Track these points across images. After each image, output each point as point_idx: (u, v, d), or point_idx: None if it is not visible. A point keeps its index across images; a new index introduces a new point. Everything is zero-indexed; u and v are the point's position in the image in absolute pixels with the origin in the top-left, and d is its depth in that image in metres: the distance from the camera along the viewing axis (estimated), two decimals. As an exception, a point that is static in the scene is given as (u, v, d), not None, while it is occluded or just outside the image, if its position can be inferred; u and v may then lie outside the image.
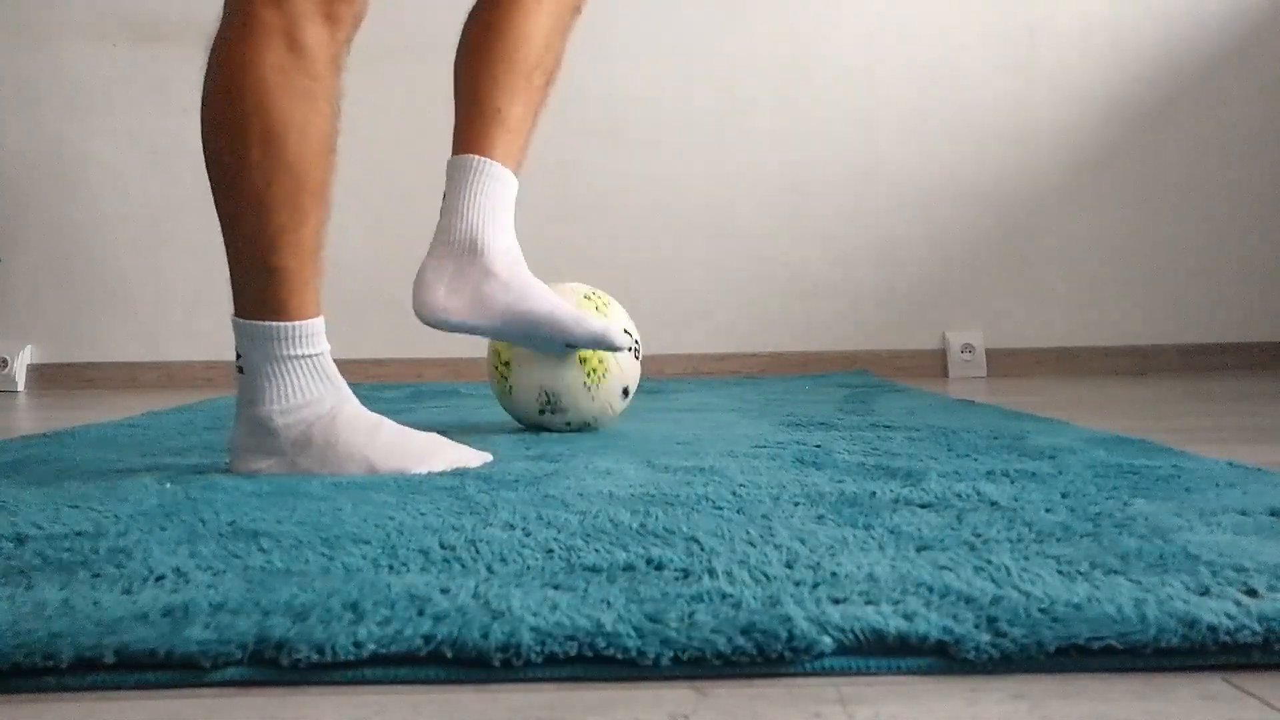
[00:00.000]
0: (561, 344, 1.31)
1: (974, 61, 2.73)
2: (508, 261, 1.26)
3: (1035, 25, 2.73)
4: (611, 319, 1.38)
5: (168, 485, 1.00)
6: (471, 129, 1.27)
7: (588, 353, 1.35)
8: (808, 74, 2.75)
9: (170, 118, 2.70)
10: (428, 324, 1.26)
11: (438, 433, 1.17)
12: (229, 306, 1.08)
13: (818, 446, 1.22)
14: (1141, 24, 2.72)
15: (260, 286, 1.05)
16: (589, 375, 1.36)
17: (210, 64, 1.04)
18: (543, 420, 1.41)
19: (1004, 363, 2.72)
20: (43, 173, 2.75)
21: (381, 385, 2.43)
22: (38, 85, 2.74)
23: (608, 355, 1.37)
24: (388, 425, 1.10)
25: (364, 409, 1.11)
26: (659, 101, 2.75)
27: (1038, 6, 2.73)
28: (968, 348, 2.70)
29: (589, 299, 1.39)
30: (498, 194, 1.26)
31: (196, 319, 2.72)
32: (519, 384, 1.39)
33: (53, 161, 2.75)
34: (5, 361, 2.71)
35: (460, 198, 1.26)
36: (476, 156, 1.26)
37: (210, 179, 1.05)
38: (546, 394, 1.37)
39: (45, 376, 2.74)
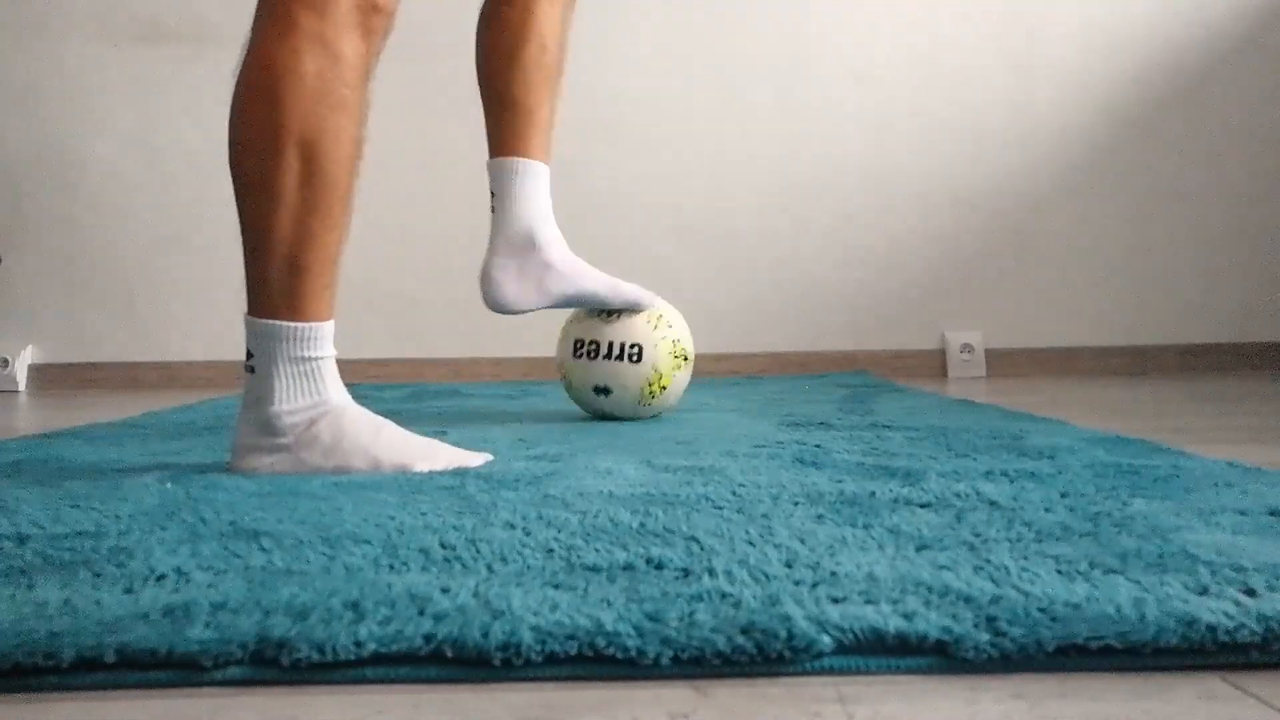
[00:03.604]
0: (600, 309, 1.53)
1: (973, 62, 2.73)
2: (559, 251, 1.47)
3: (1035, 26, 2.73)
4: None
5: (169, 485, 1.00)
6: (509, 132, 1.45)
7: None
8: (807, 74, 2.75)
9: (171, 118, 2.70)
10: (498, 312, 1.48)
11: (438, 432, 1.17)
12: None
13: (817, 446, 1.22)
14: (1140, 24, 2.72)
15: (284, 287, 1.06)
16: (605, 314, 1.55)
17: (245, 70, 1.05)
18: (582, 366, 1.54)
19: (1003, 362, 2.72)
20: (43, 172, 2.75)
21: (381, 385, 2.43)
22: (39, 85, 2.74)
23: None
24: (390, 425, 1.12)
25: (365, 410, 1.12)
26: (659, 101, 2.75)
27: (1038, 7, 2.73)
28: (967, 348, 2.70)
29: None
30: (540, 189, 1.46)
31: (197, 319, 2.72)
32: (564, 355, 1.57)
33: (53, 161, 2.75)
34: (6, 361, 2.71)
35: (511, 199, 1.45)
36: (519, 159, 1.44)
37: (238, 178, 1.06)
38: (578, 340, 1.55)
39: (46, 376, 2.74)
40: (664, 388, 1.55)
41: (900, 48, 2.74)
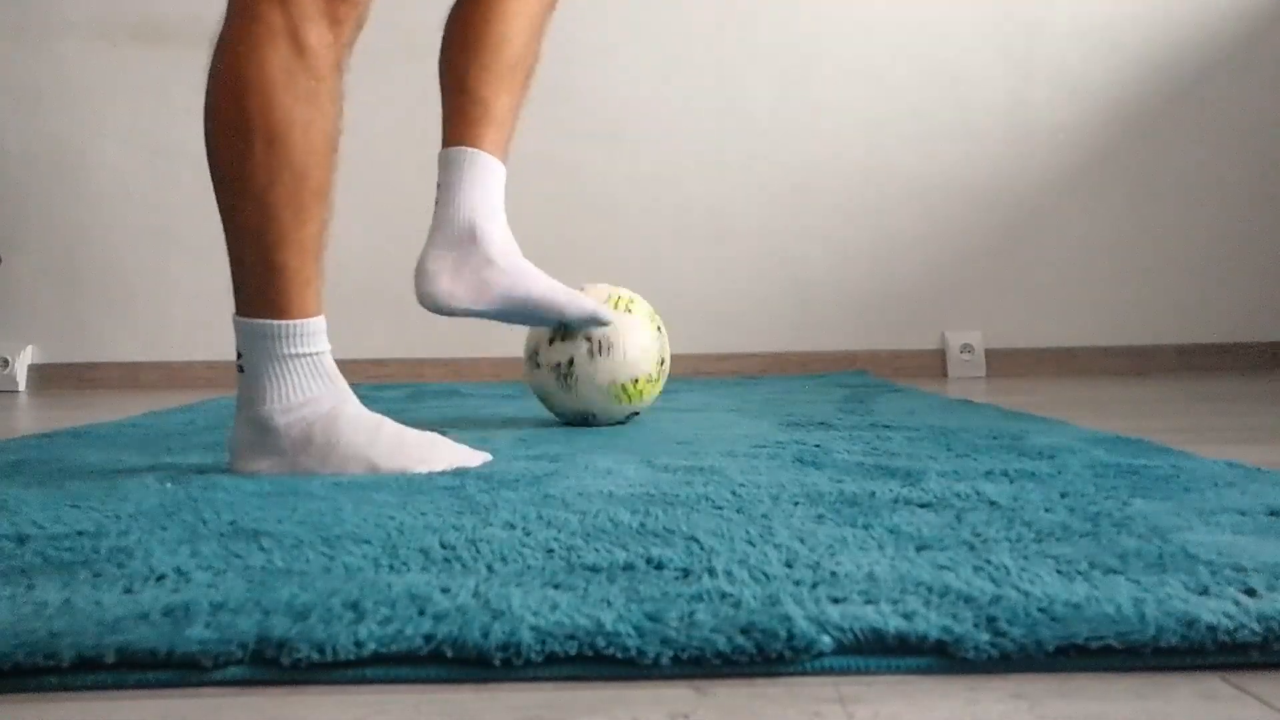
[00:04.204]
0: (556, 321, 1.41)
1: (973, 61, 2.73)
2: (504, 249, 1.32)
3: (1034, 25, 2.73)
4: (638, 315, 1.49)
5: (169, 485, 1.00)
6: (461, 120, 1.33)
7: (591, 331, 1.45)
8: (808, 74, 2.75)
9: (171, 118, 2.70)
10: (433, 311, 1.32)
11: (438, 432, 1.17)
12: (230, 306, 1.08)
13: (817, 446, 1.22)
14: (1140, 23, 2.72)
15: (262, 285, 1.05)
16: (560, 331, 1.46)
17: (214, 63, 1.05)
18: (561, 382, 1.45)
19: (1003, 362, 2.72)
20: (43, 173, 2.75)
21: (381, 385, 2.43)
22: (38, 85, 2.74)
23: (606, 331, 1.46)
24: (389, 425, 1.11)
25: (365, 409, 1.11)
26: (659, 101, 2.75)
27: (1037, 6, 2.73)
28: (967, 348, 2.70)
29: (615, 299, 1.48)
30: (489, 184, 1.32)
31: (197, 319, 2.72)
32: (546, 360, 1.47)
33: (53, 161, 2.75)
34: (6, 361, 2.71)
35: (455, 189, 1.31)
36: (468, 148, 1.32)
37: (213, 177, 1.06)
38: (560, 363, 1.45)
39: (46, 377, 2.74)
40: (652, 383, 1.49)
41: (900, 48, 2.74)
